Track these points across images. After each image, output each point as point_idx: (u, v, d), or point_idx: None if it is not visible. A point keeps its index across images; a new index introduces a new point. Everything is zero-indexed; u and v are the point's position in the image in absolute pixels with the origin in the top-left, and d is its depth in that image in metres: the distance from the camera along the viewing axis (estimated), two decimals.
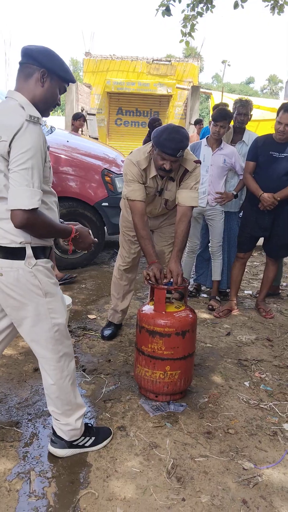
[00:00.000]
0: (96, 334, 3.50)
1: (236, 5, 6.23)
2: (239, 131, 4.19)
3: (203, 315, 3.97)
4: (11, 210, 1.71)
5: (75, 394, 2.15)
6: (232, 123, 4.17)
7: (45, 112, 1.91)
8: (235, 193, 4.03)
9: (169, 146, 2.61)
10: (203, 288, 4.58)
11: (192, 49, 32.27)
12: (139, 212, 2.85)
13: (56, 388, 2.07)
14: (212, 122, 3.88)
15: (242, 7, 6.29)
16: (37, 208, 1.74)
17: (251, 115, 4.13)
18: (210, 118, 3.97)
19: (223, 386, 2.87)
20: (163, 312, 2.58)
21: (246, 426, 2.50)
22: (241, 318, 3.96)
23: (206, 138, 4.01)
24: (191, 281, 4.61)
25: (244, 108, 4.07)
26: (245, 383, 2.93)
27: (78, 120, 7.46)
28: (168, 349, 2.55)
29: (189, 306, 2.76)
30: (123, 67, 17.59)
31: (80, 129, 7.82)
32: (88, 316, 3.83)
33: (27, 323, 1.95)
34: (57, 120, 17.07)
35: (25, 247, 1.83)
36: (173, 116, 17.41)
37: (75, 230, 2.01)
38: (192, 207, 2.92)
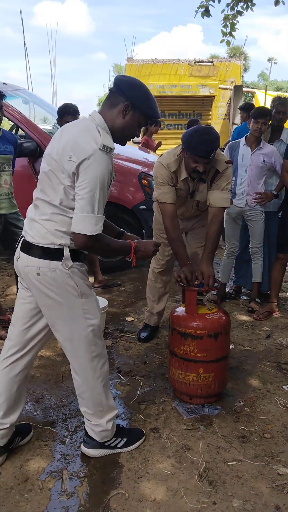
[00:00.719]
0: (133, 336, 3.52)
1: (277, 2, 6.11)
2: (277, 130, 4.10)
3: (243, 317, 3.91)
4: (75, 232, 1.81)
5: (107, 396, 2.17)
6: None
7: (121, 142, 1.99)
8: (275, 193, 3.94)
9: (202, 149, 2.61)
10: (243, 290, 4.50)
11: (237, 48, 31.91)
12: (169, 215, 2.85)
13: (87, 388, 2.10)
14: (253, 120, 3.80)
15: (283, 3, 6.17)
16: (99, 233, 1.83)
17: None
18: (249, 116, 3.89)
19: (260, 390, 2.81)
20: (195, 314, 2.56)
21: (283, 431, 2.43)
22: (282, 320, 3.86)
23: (245, 138, 3.94)
24: (231, 283, 4.54)
25: (282, 106, 3.98)
26: (284, 387, 2.85)
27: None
28: (200, 351, 2.53)
29: (222, 307, 2.72)
30: (164, 70, 17.65)
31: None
32: (126, 318, 3.86)
33: (62, 323, 2.00)
34: None
35: (63, 249, 1.90)
36: (216, 117, 17.27)
37: (134, 246, 2.06)
38: (224, 208, 2.89)
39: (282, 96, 4.16)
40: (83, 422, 2.42)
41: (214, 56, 20.57)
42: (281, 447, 2.30)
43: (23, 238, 1.98)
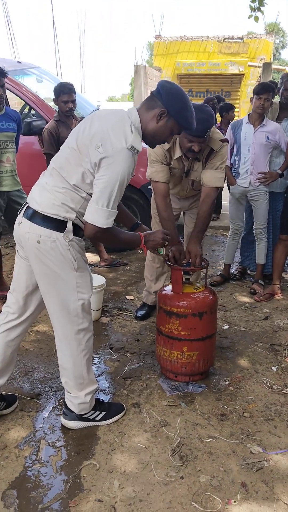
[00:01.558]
0: (131, 314, 3.56)
1: None
2: (285, 107, 3.99)
3: (244, 298, 3.88)
4: (86, 222, 1.90)
5: (89, 370, 2.23)
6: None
7: (150, 144, 2.09)
8: (280, 172, 3.85)
9: (197, 128, 2.53)
10: (248, 272, 4.45)
11: (275, 24, 30.81)
12: (161, 194, 2.84)
13: (70, 359, 2.16)
14: (255, 96, 3.70)
15: None
16: (110, 227, 1.92)
17: None
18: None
19: (248, 370, 2.81)
20: (180, 293, 2.56)
21: (264, 410, 2.43)
22: (283, 302, 3.82)
23: (248, 115, 3.86)
24: (237, 264, 4.50)
25: None
26: (272, 368, 2.84)
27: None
28: (184, 330, 2.54)
29: (209, 287, 2.72)
30: (193, 47, 17.34)
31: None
32: (127, 297, 3.90)
33: (55, 292, 2.06)
34: (125, 106, 17.22)
35: (67, 221, 1.96)
36: (245, 96, 16.88)
37: (143, 237, 2.18)
38: (217, 188, 2.86)
39: None
40: None
41: (251, 32, 19.90)
42: (259, 427, 2.30)
43: (27, 204, 2.03)
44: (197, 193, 3.13)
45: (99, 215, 1.87)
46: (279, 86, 3.97)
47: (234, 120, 4.07)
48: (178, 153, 2.82)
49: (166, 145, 2.80)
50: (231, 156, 3.97)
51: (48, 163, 3.88)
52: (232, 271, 4.38)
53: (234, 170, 3.96)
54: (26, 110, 5.75)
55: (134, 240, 2.17)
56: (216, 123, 6.53)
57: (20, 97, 4.96)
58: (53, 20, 13.40)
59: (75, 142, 1.94)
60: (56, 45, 12.53)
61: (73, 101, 4.06)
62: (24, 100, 5.07)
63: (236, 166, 3.92)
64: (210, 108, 2.70)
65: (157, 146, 2.80)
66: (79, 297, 2.07)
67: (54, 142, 4.04)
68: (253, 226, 4.06)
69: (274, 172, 3.84)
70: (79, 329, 2.12)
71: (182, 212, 3.37)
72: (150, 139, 2.03)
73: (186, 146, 2.69)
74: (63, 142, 3.93)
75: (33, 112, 5.34)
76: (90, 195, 1.93)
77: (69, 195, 1.94)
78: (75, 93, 4.08)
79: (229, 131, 3.96)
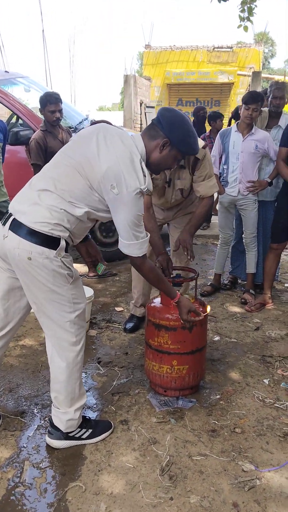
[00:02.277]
0: (120, 326, 3.49)
1: None
2: (275, 116, 3.96)
3: (234, 308, 3.82)
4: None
5: (80, 384, 2.17)
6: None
7: (155, 172, 2.13)
8: (269, 180, 3.82)
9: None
10: (239, 281, 4.40)
11: (264, 34, 31.16)
12: (145, 205, 2.80)
13: (66, 371, 2.09)
14: (243, 106, 3.68)
15: None
16: (145, 253, 2.05)
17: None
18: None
19: (239, 383, 2.74)
20: (170, 306, 2.50)
21: (255, 425, 2.36)
22: (274, 312, 3.77)
23: (237, 124, 3.83)
24: (227, 274, 4.45)
25: (280, 91, 3.83)
26: (264, 380, 2.77)
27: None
28: (174, 343, 2.47)
29: (199, 299, 2.66)
30: (183, 57, 17.42)
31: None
32: (116, 308, 3.83)
33: (50, 307, 1.98)
34: (115, 115, 17.26)
35: (60, 239, 1.89)
36: (235, 104, 16.91)
37: (178, 298, 2.29)
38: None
39: (280, 81, 4.00)
40: None
41: (241, 42, 20.05)
42: (251, 443, 2.24)
43: (13, 217, 1.92)
44: (181, 203, 3.09)
45: (132, 248, 1.98)
46: (268, 95, 3.95)
47: (222, 129, 4.04)
48: None
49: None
50: (219, 165, 3.93)
51: (35, 173, 3.83)
52: (222, 280, 4.33)
53: (222, 179, 3.92)
54: (13, 120, 5.70)
55: (171, 290, 2.28)
56: (205, 132, 6.52)
57: (7, 107, 4.90)
58: (43, 30, 13.37)
59: (80, 166, 1.88)
60: (46, 55, 12.49)
61: (60, 111, 4.01)
62: (11, 110, 5.01)
63: (225, 175, 3.89)
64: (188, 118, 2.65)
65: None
66: (75, 308, 2.03)
67: (42, 153, 3.98)
68: (243, 235, 4.02)
69: (263, 181, 3.81)
70: (77, 339, 2.07)
71: (166, 224, 3.33)
72: (154, 168, 2.05)
73: (172, 165, 2.61)
74: (51, 152, 3.90)
75: (20, 121, 5.28)
76: (86, 214, 1.92)
77: (66, 216, 1.88)
78: (61, 103, 4.03)
79: (217, 139, 3.93)
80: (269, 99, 3.89)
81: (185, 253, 2.87)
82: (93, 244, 2.35)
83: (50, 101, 3.93)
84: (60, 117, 4.03)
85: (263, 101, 3.77)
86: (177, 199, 2.98)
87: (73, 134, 5.03)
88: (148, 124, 2.17)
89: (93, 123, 2.02)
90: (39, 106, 4.24)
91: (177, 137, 1.95)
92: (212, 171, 2.84)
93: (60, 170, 1.93)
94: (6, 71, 5.86)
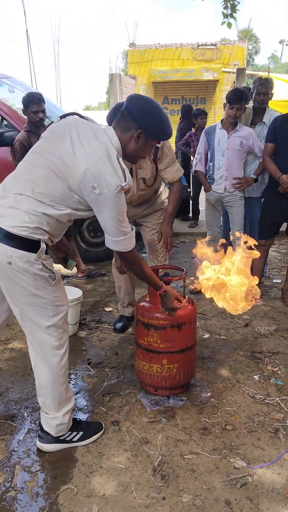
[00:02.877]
0: (109, 327, 3.47)
1: None
2: (259, 112, 3.98)
3: None
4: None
5: (67, 388, 2.14)
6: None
7: (133, 161, 2.09)
8: (254, 177, 3.83)
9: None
10: None
11: (248, 31, 31.27)
12: None
13: (50, 377, 2.06)
14: (228, 105, 3.71)
15: None
16: (133, 247, 2.04)
17: (272, 94, 3.92)
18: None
19: (230, 380, 2.75)
20: (158, 305, 2.49)
21: (246, 422, 2.37)
22: (263, 308, 3.78)
23: (221, 121, 3.84)
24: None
25: (263, 87, 3.85)
26: (254, 376, 2.78)
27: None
28: (164, 342, 2.47)
29: (188, 296, 2.65)
30: (167, 55, 17.40)
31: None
32: (105, 308, 3.81)
33: (32, 311, 1.96)
34: (101, 114, 17.16)
35: (40, 242, 1.86)
36: (220, 101, 16.98)
37: (164, 290, 2.31)
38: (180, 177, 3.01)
39: (263, 77, 4.02)
40: None
41: (225, 39, 20.11)
42: (242, 439, 2.24)
43: None
44: (149, 200, 3.14)
45: (120, 244, 1.98)
46: (251, 91, 3.96)
47: (207, 126, 4.05)
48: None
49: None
50: (206, 163, 3.94)
51: None
52: None
53: (208, 176, 3.93)
54: None
55: (157, 283, 2.30)
56: (192, 129, 6.53)
57: None
58: (27, 30, 13.26)
59: (56, 167, 1.84)
60: (30, 55, 12.38)
61: (43, 111, 3.98)
62: None
63: (211, 172, 3.90)
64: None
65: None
66: (58, 311, 1.99)
67: (26, 153, 3.94)
68: (230, 232, 4.03)
69: (249, 177, 3.82)
70: (60, 343, 2.04)
71: (138, 225, 3.34)
72: (132, 158, 2.04)
73: (148, 152, 2.66)
74: None
75: (5, 123, 5.24)
76: (67, 215, 1.91)
77: (45, 219, 1.86)
78: (44, 103, 4.00)
79: (202, 137, 3.94)
80: (253, 95, 3.91)
81: (164, 247, 3.00)
82: (64, 240, 2.32)
83: (33, 102, 3.89)
84: (43, 117, 4.00)
85: (247, 99, 3.78)
86: (141, 189, 2.99)
87: None
88: None
89: (62, 116, 1.98)
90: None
91: (151, 126, 1.93)
92: (173, 155, 2.93)
93: (35, 172, 1.88)
94: None
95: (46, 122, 4.37)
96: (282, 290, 3.97)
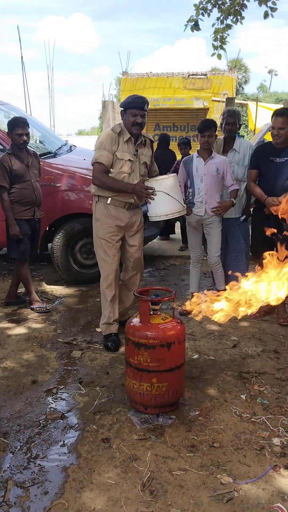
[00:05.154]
0: (100, 347, 3.54)
1: (266, 15, 6.15)
2: (229, 141, 4.30)
3: (212, 327, 3.92)
4: None
5: None
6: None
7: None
8: (234, 201, 4.04)
9: (137, 101, 3.29)
10: None
11: (237, 61, 32.20)
12: (101, 171, 3.33)
13: None
14: (199, 134, 4.03)
15: (272, 16, 6.21)
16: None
17: (240, 125, 4.25)
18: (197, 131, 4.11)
19: (217, 399, 2.82)
20: (148, 324, 2.59)
21: (233, 440, 2.44)
22: (251, 330, 3.88)
23: (197, 151, 4.13)
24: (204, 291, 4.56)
25: (231, 117, 4.22)
26: (241, 396, 2.86)
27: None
28: (153, 361, 2.55)
29: (177, 317, 2.75)
30: (159, 83, 17.83)
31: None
32: (96, 329, 3.88)
33: None
34: (94, 139, 17.47)
35: None
36: None
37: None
38: None
39: (232, 109, 4.37)
40: (36, 433, 2.47)
41: (215, 69, 20.74)
42: (229, 456, 2.31)
43: None
44: (137, 208, 3.57)
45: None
46: (221, 122, 4.27)
47: (185, 157, 4.32)
48: (127, 135, 3.35)
49: (117, 129, 3.35)
50: (186, 190, 4.17)
51: (0, 194, 3.96)
52: None
53: (188, 201, 4.14)
54: None
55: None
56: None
57: None
58: (22, 57, 13.59)
59: None
60: (25, 81, 12.64)
61: (27, 134, 4.11)
62: None
63: (190, 197, 4.13)
64: None
65: (107, 132, 3.37)
66: None
67: (7, 174, 4.05)
68: (207, 257, 4.21)
69: (228, 202, 4.03)
70: None
71: (121, 246, 3.60)
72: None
73: (131, 121, 3.28)
74: (15, 174, 4.10)
75: (0, 147, 5.37)
76: None
77: None
78: (28, 127, 4.14)
79: (181, 167, 4.24)
80: (223, 125, 4.22)
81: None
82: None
83: (18, 125, 4.03)
84: (27, 140, 4.11)
85: (216, 126, 4.08)
86: (141, 174, 3.45)
87: (49, 160, 5.15)
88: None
89: None
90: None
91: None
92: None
93: None
94: None
95: (42, 148, 4.50)
96: (277, 311, 4.06)
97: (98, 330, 3.85)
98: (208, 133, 3.95)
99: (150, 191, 3.24)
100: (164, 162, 6.50)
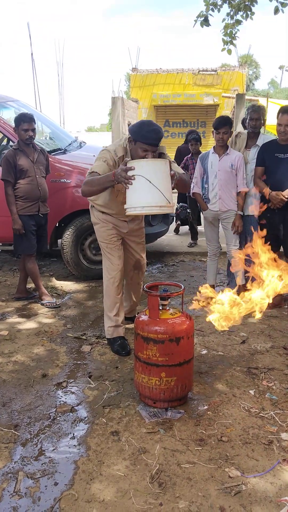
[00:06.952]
0: None
1: (276, 11, 6.14)
2: (253, 136, 4.27)
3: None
4: None
5: None
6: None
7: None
8: (241, 213, 4.13)
9: (152, 137, 2.84)
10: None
11: (248, 56, 32.03)
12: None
13: None
14: (214, 131, 4.07)
15: (283, 11, 6.20)
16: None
17: (264, 120, 4.21)
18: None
19: (226, 394, 2.83)
20: (157, 319, 2.61)
21: (241, 434, 2.45)
22: (260, 326, 3.88)
23: (213, 147, 4.14)
24: (222, 287, 4.58)
25: (256, 113, 4.17)
26: (250, 391, 2.87)
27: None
28: (162, 356, 2.57)
29: (185, 312, 2.76)
30: (169, 80, 17.80)
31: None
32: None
33: None
34: (104, 136, 17.52)
35: None
36: None
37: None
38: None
39: (256, 104, 4.34)
40: (46, 426, 2.50)
41: (226, 64, 20.64)
42: (237, 450, 2.32)
43: None
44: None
45: None
46: (245, 117, 4.24)
47: (202, 153, 4.35)
48: None
49: (120, 152, 3.02)
50: (202, 185, 4.18)
51: (6, 188, 4.00)
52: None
53: (204, 196, 4.16)
54: (4, 142, 5.83)
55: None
56: (189, 153, 6.74)
57: None
58: (32, 54, 13.72)
59: None
60: (35, 78, 12.73)
61: (33, 130, 4.14)
62: (2, 133, 5.17)
63: (206, 193, 4.15)
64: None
65: (108, 152, 3.05)
66: None
67: (11, 169, 4.08)
68: (227, 250, 4.23)
69: (237, 215, 4.08)
70: None
71: (122, 246, 3.52)
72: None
73: (141, 155, 2.89)
74: (21, 170, 4.13)
75: (11, 143, 5.42)
76: None
77: None
78: (35, 123, 4.18)
79: (198, 162, 4.27)
80: (247, 121, 4.19)
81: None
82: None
83: (24, 120, 4.07)
84: (33, 136, 4.14)
85: (231, 124, 4.09)
86: None
87: (59, 156, 5.18)
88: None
89: None
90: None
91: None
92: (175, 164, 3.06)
93: None
94: None
95: (52, 144, 4.53)
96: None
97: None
98: (223, 130, 4.00)
99: (130, 173, 2.64)
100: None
